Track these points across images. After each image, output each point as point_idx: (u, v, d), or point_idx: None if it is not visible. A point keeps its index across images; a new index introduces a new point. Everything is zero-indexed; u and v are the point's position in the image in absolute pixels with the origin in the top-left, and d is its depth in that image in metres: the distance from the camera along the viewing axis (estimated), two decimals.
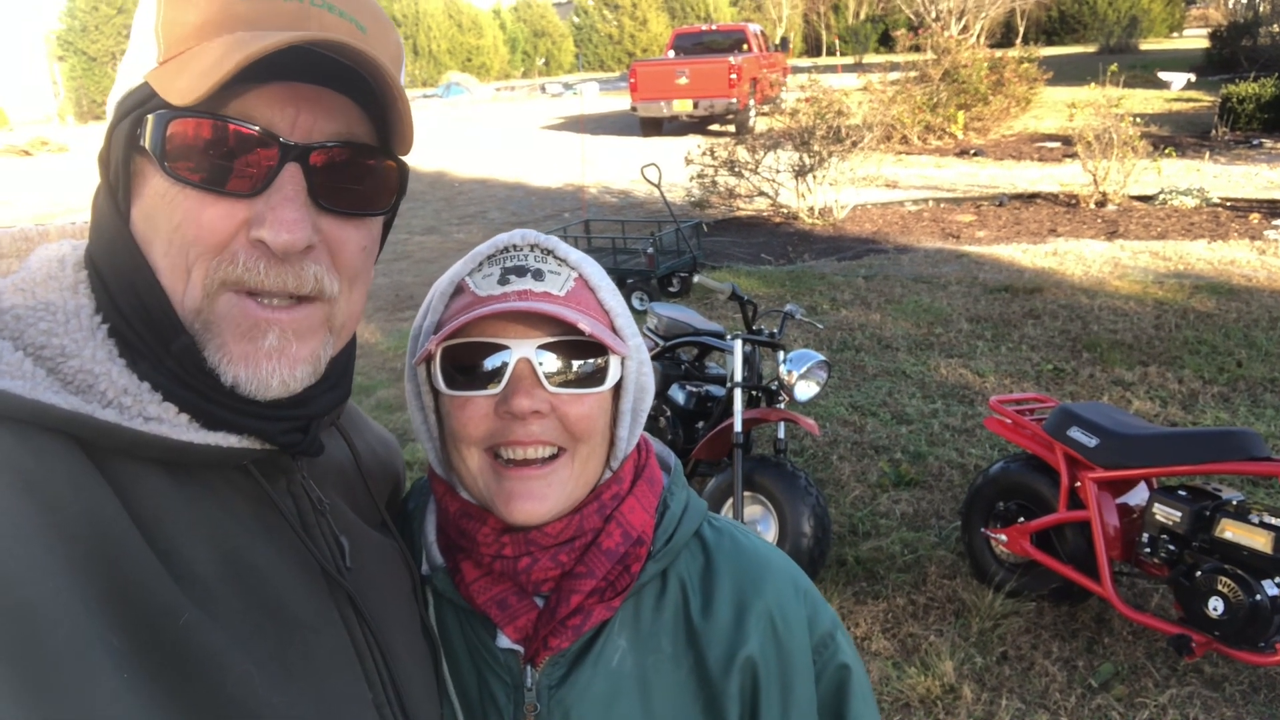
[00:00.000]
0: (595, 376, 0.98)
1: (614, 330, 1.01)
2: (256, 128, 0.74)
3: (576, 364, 0.97)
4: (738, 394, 3.88)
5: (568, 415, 0.96)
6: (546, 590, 1.00)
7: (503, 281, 0.97)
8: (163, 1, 0.75)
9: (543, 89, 38.50)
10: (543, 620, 0.98)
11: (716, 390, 4.53)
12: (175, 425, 0.75)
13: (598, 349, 0.97)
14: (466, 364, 0.96)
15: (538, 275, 0.98)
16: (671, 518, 1.06)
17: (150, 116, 0.74)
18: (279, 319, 0.77)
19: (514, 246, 1.02)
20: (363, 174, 0.80)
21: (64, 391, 0.71)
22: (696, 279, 4.72)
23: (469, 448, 0.98)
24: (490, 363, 0.95)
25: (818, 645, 1.07)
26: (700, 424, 4.47)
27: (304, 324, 0.79)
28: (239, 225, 0.74)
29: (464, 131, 24.21)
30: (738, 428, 3.81)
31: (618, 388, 1.02)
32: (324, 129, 0.77)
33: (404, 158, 0.84)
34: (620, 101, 24.48)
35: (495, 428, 0.96)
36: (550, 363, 0.95)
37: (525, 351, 0.95)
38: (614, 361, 0.99)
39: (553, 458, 0.97)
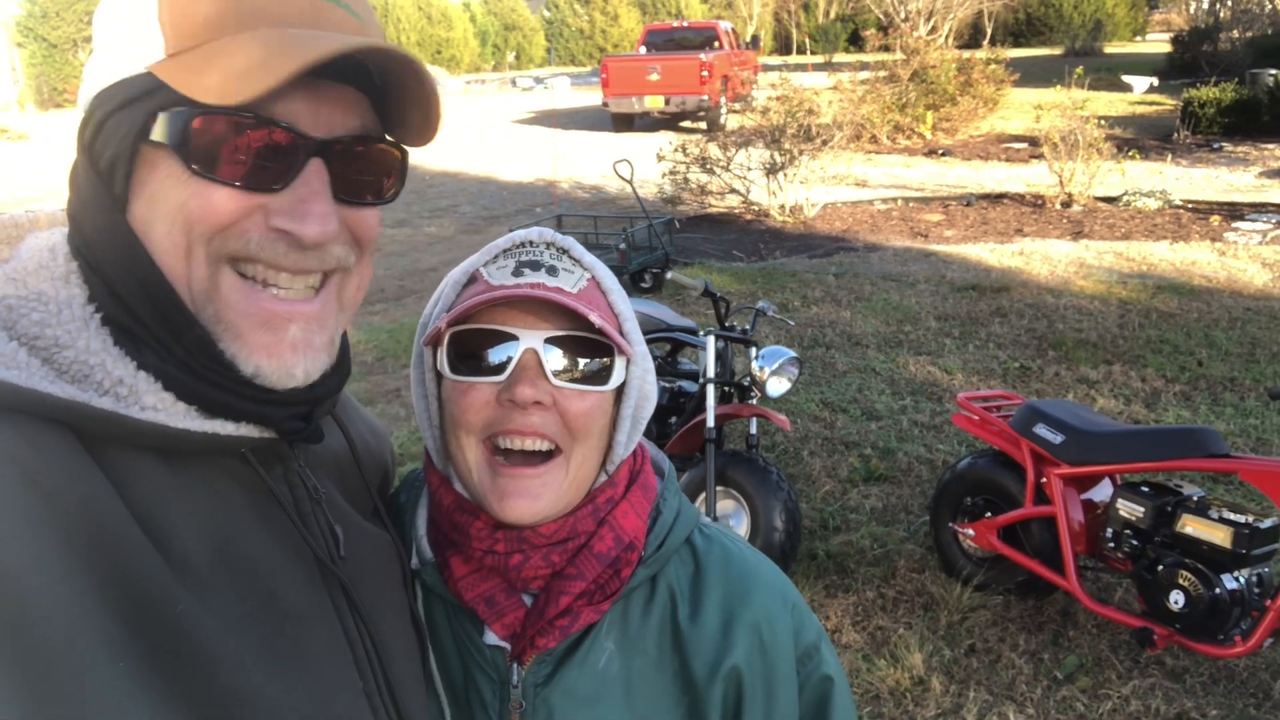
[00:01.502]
0: (600, 375, 0.98)
1: (621, 334, 1.01)
2: (283, 124, 0.73)
3: (582, 361, 0.97)
4: (710, 390, 3.90)
5: (568, 411, 0.96)
6: (536, 589, 1.00)
7: (517, 274, 0.98)
8: None
9: (513, 83, 38.25)
10: (531, 619, 0.99)
11: (689, 386, 4.55)
12: (172, 413, 0.75)
13: (604, 349, 0.98)
14: (473, 350, 0.96)
15: (552, 271, 0.99)
16: (664, 524, 1.06)
17: (167, 113, 0.72)
18: (301, 311, 0.77)
19: (530, 243, 1.02)
20: (377, 166, 0.82)
21: (60, 381, 0.71)
22: (669, 275, 4.74)
23: (467, 435, 0.97)
24: (497, 352, 0.96)
25: (802, 657, 1.08)
26: (673, 419, 4.48)
27: (323, 313, 0.80)
28: (252, 209, 0.74)
29: None
30: (710, 423, 3.83)
31: (619, 392, 1.02)
32: (344, 123, 0.78)
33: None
34: (592, 97, 24.42)
35: (495, 416, 0.96)
36: (556, 358, 0.96)
37: (533, 342, 0.95)
38: (619, 363, 1.00)
39: (549, 457, 0.97)
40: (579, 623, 0.99)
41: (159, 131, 0.73)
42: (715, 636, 1.03)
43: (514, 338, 0.95)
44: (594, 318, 0.93)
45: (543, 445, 0.96)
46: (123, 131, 0.74)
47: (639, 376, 1.03)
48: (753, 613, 1.04)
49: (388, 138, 0.83)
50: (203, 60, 0.71)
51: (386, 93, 0.80)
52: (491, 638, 1.01)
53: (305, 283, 0.78)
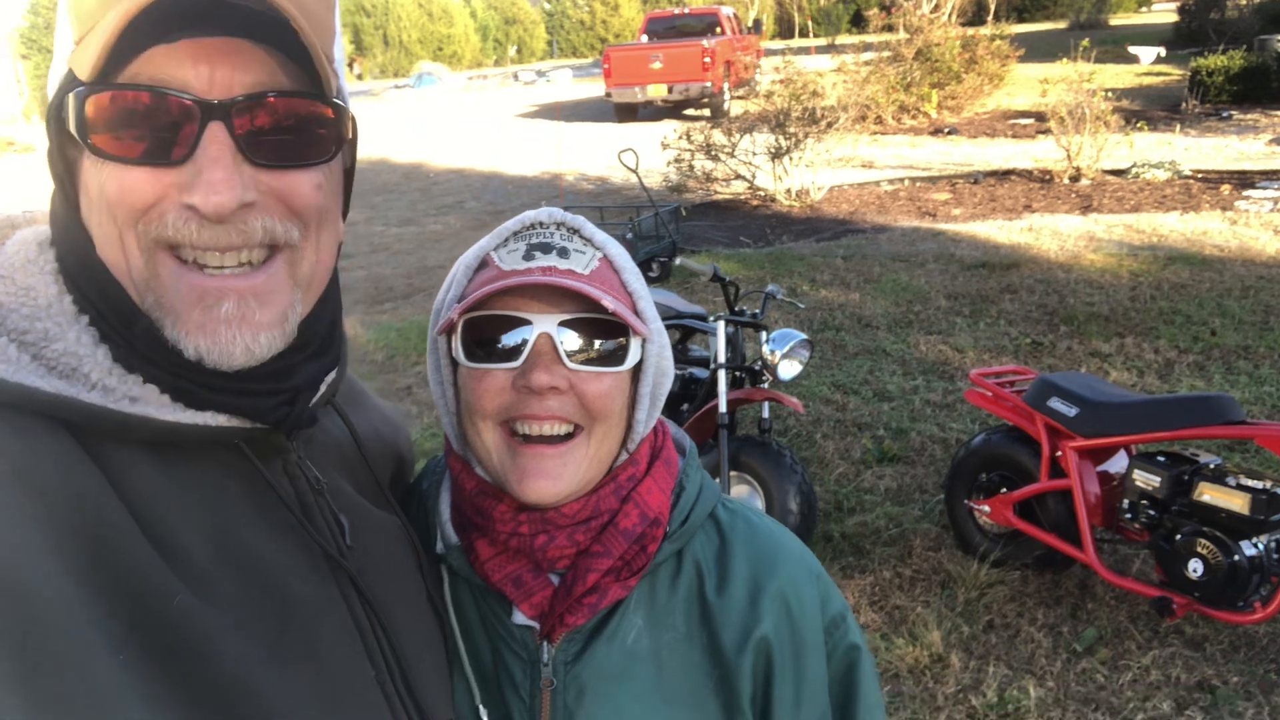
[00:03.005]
0: (615, 356, 0.98)
1: (635, 313, 1.00)
2: (170, 90, 0.70)
3: (598, 343, 0.96)
4: (722, 375, 3.90)
5: (586, 393, 0.96)
6: (562, 567, 1.00)
7: (528, 257, 0.97)
8: None
9: (515, 77, 38.22)
10: (559, 597, 0.99)
11: (700, 372, 4.55)
12: (160, 406, 0.74)
13: (619, 329, 0.97)
14: (487, 337, 0.96)
15: (563, 253, 0.98)
16: (687, 499, 1.06)
17: (70, 97, 0.71)
18: (234, 286, 0.74)
19: (540, 224, 1.01)
20: (295, 123, 0.75)
21: (49, 376, 0.71)
22: (679, 261, 4.74)
23: (484, 421, 0.97)
24: (511, 337, 0.95)
25: (829, 626, 1.09)
26: (685, 406, 4.48)
27: (265, 288, 0.76)
28: (165, 188, 0.71)
29: (438, 122, 24.07)
30: (723, 408, 3.83)
31: (637, 370, 1.02)
32: (243, 81, 0.72)
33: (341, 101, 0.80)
34: (594, 88, 24.35)
35: (511, 401, 0.96)
36: (571, 340, 0.95)
37: (547, 327, 0.94)
38: (634, 342, 0.99)
39: (568, 437, 0.97)
40: (607, 599, 0.99)
41: (71, 122, 0.71)
42: (743, 608, 1.03)
43: (527, 323, 0.94)
44: (607, 301, 0.92)
45: (561, 429, 0.96)
46: (54, 130, 0.74)
47: (655, 354, 1.03)
48: (779, 583, 1.05)
49: (304, 90, 0.76)
50: (89, 40, 0.70)
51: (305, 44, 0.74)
52: (520, 618, 1.01)
53: (237, 259, 0.74)
